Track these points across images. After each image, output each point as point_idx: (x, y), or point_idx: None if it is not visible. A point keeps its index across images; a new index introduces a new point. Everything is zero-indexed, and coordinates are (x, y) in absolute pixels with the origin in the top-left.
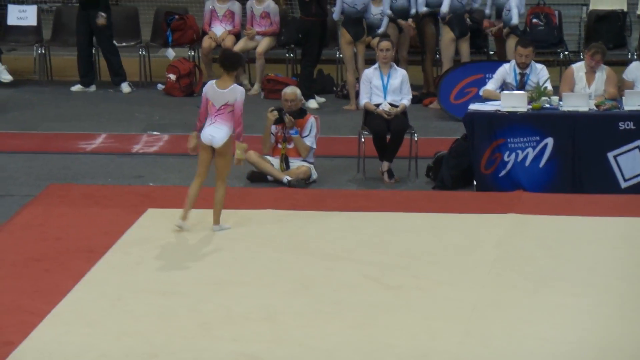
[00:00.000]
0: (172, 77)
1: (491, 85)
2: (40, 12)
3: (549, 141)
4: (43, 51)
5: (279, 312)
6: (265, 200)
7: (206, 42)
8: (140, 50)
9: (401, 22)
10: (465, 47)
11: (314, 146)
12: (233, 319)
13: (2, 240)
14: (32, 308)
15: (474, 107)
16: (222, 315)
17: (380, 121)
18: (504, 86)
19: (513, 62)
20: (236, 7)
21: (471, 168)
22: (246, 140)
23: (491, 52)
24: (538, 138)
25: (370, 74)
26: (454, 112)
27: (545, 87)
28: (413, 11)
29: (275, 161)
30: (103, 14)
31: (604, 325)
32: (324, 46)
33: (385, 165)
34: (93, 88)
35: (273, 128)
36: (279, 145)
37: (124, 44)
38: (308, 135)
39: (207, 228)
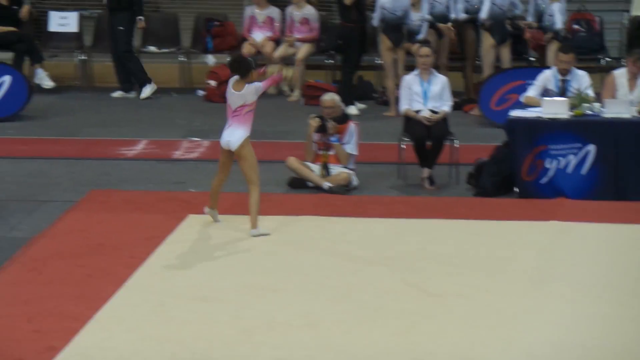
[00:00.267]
0: (213, 83)
1: (532, 92)
2: (81, 18)
3: (591, 148)
4: (84, 57)
5: (320, 319)
6: (306, 206)
7: (246, 48)
8: (181, 56)
9: (441, 26)
10: (506, 53)
11: (355, 152)
12: (274, 325)
13: (45, 246)
14: (75, 313)
15: (515, 113)
16: (264, 322)
17: (421, 128)
18: (545, 93)
19: (554, 68)
20: (275, 13)
21: (512, 175)
22: (286, 146)
23: (532, 59)
24: (580, 145)
25: (411, 80)
26: (494, 119)
27: (587, 94)
28: (452, 16)
29: (316, 168)
30: (141, 18)
31: None
32: (363, 52)
33: (425, 171)
34: (133, 94)
35: (314, 136)
36: (320, 152)
37: (164, 50)
38: (349, 142)
39: (247, 235)
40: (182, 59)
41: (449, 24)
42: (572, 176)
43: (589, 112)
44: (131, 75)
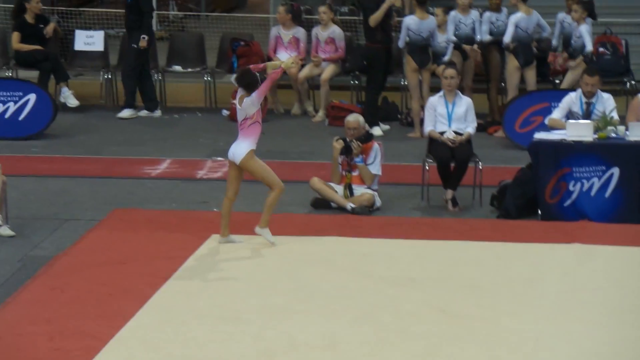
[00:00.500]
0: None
1: (557, 114)
2: (107, 37)
3: (615, 171)
4: (109, 76)
5: (342, 340)
6: (329, 227)
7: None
8: (206, 76)
9: (466, 47)
10: (531, 75)
11: (379, 173)
12: (296, 346)
13: (67, 264)
14: (96, 332)
15: (539, 135)
16: (285, 343)
17: (445, 149)
18: (570, 115)
19: (579, 91)
20: (301, 33)
21: (536, 197)
22: (310, 166)
23: (557, 81)
24: (604, 168)
25: (435, 101)
26: (518, 141)
27: (612, 117)
28: (478, 38)
29: (339, 188)
30: (145, 37)
31: None
32: (389, 73)
33: (449, 193)
34: (158, 113)
35: (339, 158)
36: (344, 173)
37: (189, 69)
38: (373, 162)
39: (270, 255)
40: (208, 78)
41: (474, 46)
42: (595, 199)
43: (613, 135)
44: (133, 92)
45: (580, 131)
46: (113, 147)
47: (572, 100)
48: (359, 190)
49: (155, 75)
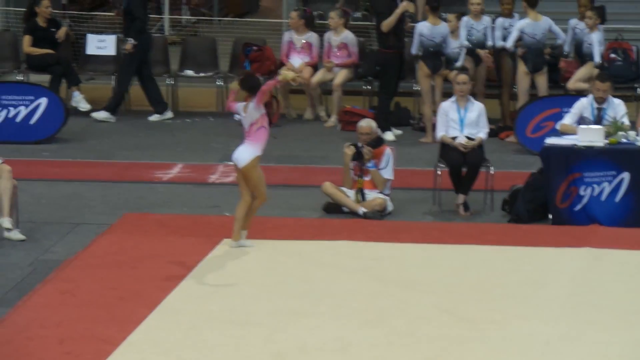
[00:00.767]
0: None
1: (568, 120)
2: (119, 41)
3: (626, 176)
4: None
5: (353, 343)
6: (341, 231)
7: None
8: (218, 80)
9: (479, 51)
10: (541, 81)
11: (391, 177)
12: (307, 350)
13: (78, 269)
14: (107, 336)
15: (550, 141)
16: (296, 346)
17: (457, 154)
18: (581, 120)
19: (590, 96)
20: (314, 38)
21: (547, 202)
22: (322, 171)
23: (566, 86)
24: (614, 172)
25: (448, 107)
26: (530, 146)
27: (623, 122)
28: (489, 43)
29: (351, 193)
30: (131, 40)
31: None
32: (401, 79)
33: (461, 198)
34: (169, 114)
35: (351, 163)
36: (356, 178)
37: (201, 74)
38: (385, 167)
39: (281, 259)
40: (220, 83)
41: (487, 51)
42: (606, 203)
43: (624, 140)
44: (117, 100)
45: (591, 136)
46: (124, 151)
47: (584, 105)
48: (371, 194)
49: (168, 80)
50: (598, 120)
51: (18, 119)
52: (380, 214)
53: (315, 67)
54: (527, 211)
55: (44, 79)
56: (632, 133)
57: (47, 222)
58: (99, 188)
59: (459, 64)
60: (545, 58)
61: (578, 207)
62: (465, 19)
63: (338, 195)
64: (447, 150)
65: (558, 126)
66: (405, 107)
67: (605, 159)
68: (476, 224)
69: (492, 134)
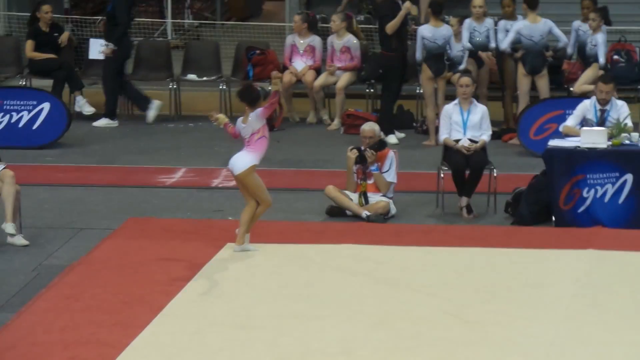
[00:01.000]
0: None
1: (571, 122)
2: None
3: (629, 177)
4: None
5: (357, 346)
6: (344, 234)
7: (287, 77)
8: (221, 84)
9: (482, 54)
10: (542, 83)
11: (395, 180)
12: (310, 353)
13: (82, 273)
14: (111, 341)
15: (553, 143)
16: (300, 350)
17: (460, 157)
18: (584, 122)
19: (593, 98)
20: (317, 42)
21: (550, 204)
22: (325, 174)
23: (571, 89)
24: (617, 174)
25: (451, 109)
26: (533, 148)
27: (626, 124)
28: (492, 46)
29: (354, 196)
30: (109, 44)
31: None
32: (404, 81)
33: (464, 200)
34: (156, 103)
35: (354, 167)
36: (359, 182)
37: (204, 78)
38: (388, 170)
39: (285, 262)
40: (223, 87)
41: (489, 53)
42: (609, 205)
43: (627, 141)
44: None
45: (594, 138)
46: (127, 156)
47: (587, 107)
48: (375, 198)
49: (171, 84)
50: (601, 122)
51: (21, 124)
52: (383, 217)
53: (318, 71)
54: (530, 213)
55: (46, 83)
56: (635, 135)
57: (51, 227)
58: (102, 193)
59: (462, 67)
60: (547, 60)
61: (581, 209)
62: (467, 21)
63: (341, 198)
64: (450, 153)
65: (561, 128)
66: (408, 110)
67: (609, 161)
68: (479, 226)
69: (495, 136)
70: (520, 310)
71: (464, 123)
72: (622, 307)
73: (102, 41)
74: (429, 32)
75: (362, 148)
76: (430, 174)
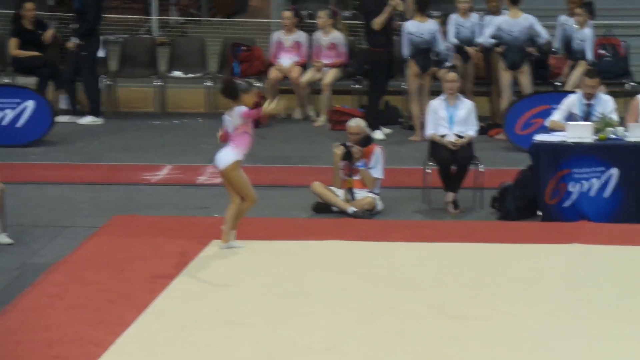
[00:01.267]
0: None
1: (557, 116)
2: (107, 43)
3: (614, 172)
4: (110, 82)
5: (343, 342)
6: (330, 230)
7: (273, 73)
8: (207, 81)
9: (468, 49)
10: (523, 79)
11: (381, 176)
12: (297, 349)
13: (67, 272)
14: (96, 339)
15: (539, 137)
16: (286, 346)
17: (446, 152)
18: (570, 117)
19: (579, 93)
20: (303, 38)
21: (536, 198)
22: (312, 171)
23: (558, 83)
24: (603, 168)
25: (437, 105)
26: (519, 143)
27: (611, 118)
28: (478, 40)
29: (341, 192)
30: (75, 39)
31: None
32: (390, 77)
33: (450, 195)
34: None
35: (340, 163)
36: (346, 178)
37: (190, 75)
38: (374, 166)
39: (271, 259)
40: (209, 84)
41: (475, 48)
42: (595, 199)
43: (612, 136)
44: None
45: (580, 133)
46: (113, 153)
47: (573, 102)
48: (361, 194)
49: (156, 81)
50: (587, 116)
51: (5, 122)
52: (369, 213)
53: (304, 67)
54: (517, 208)
55: (30, 81)
56: (620, 129)
57: (35, 225)
58: (87, 190)
59: (448, 62)
60: (528, 56)
61: (567, 203)
62: (453, 16)
63: (327, 194)
64: (437, 149)
65: (547, 123)
66: (394, 106)
67: (594, 155)
68: (466, 221)
69: (482, 131)
70: (506, 305)
71: (451, 118)
72: (607, 301)
73: None
74: (415, 27)
75: (348, 144)
76: (417, 170)
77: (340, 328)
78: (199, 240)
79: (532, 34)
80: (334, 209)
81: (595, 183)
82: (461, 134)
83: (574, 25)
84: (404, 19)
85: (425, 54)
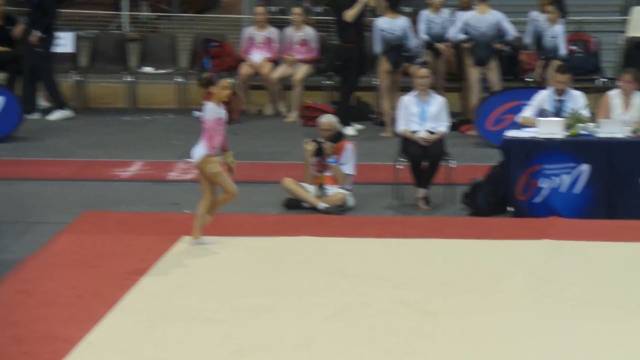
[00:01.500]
0: None
1: (528, 112)
2: (77, 39)
3: (585, 168)
4: (80, 78)
5: (313, 338)
6: (301, 226)
7: (244, 69)
8: (178, 77)
9: (439, 45)
10: (492, 75)
11: (353, 172)
12: (267, 345)
13: (35, 267)
14: (66, 335)
15: (510, 133)
16: (257, 342)
17: (417, 148)
18: (542, 113)
19: (550, 89)
20: (274, 34)
21: (507, 194)
22: (283, 167)
23: (529, 79)
24: (574, 164)
25: (408, 101)
26: (491, 139)
27: (582, 114)
28: (450, 36)
29: (312, 188)
30: (37, 32)
31: None
32: (362, 73)
33: (421, 192)
34: (37, 115)
35: (311, 159)
36: (317, 174)
37: (161, 71)
38: (346, 162)
39: (241, 255)
40: (180, 79)
41: (446, 44)
42: (565, 195)
43: (583, 132)
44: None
45: (551, 129)
46: (83, 149)
47: (544, 98)
48: (332, 190)
49: (126, 77)
50: (558, 112)
51: None
52: (340, 209)
53: (275, 63)
54: (488, 204)
55: None
56: (591, 125)
57: (4, 221)
58: (57, 186)
59: (419, 59)
60: (495, 52)
61: (538, 199)
62: (424, 12)
63: (298, 190)
64: (408, 145)
65: (518, 119)
66: (365, 102)
67: (565, 151)
68: (437, 217)
69: (453, 127)
70: (477, 301)
71: (422, 114)
72: (577, 297)
73: (57, 34)
74: (386, 23)
75: (320, 140)
76: (388, 166)
77: (312, 324)
78: (170, 237)
79: (500, 31)
80: (305, 205)
81: (566, 179)
82: (432, 130)
83: (546, 22)
84: (376, 16)
85: (396, 50)
